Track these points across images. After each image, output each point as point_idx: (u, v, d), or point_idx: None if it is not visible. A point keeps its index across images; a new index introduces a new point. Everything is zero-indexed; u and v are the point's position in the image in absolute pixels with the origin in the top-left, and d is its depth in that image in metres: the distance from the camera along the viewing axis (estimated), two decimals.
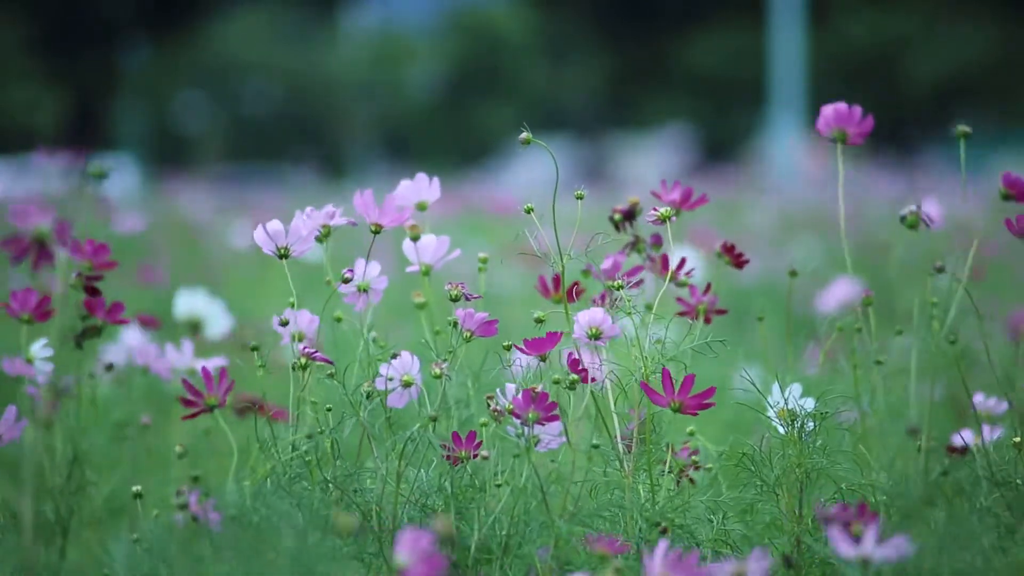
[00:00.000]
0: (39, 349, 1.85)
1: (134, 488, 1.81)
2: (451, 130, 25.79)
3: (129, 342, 2.44)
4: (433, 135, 25.61)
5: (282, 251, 1.79)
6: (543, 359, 1.74)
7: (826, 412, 1.78)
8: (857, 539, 1.51)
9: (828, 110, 1.86)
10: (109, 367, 2.12)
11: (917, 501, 1.67)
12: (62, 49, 25.29)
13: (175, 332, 3.17)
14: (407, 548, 1.42)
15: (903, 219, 1.88)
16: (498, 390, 1.75)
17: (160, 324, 2.65)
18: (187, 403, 1.79)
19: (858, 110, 1.87)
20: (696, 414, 1.72)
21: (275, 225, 1.79)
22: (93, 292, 1.85)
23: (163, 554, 1.58)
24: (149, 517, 1.80)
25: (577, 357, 1.75)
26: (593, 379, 1.75)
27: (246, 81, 26.36)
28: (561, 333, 1.75)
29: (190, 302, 2.51)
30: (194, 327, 2.50)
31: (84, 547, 2.04)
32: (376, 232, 1.82)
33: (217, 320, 2.51)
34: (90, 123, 24.40)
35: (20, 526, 1.58)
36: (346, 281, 1.80)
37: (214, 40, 26.16)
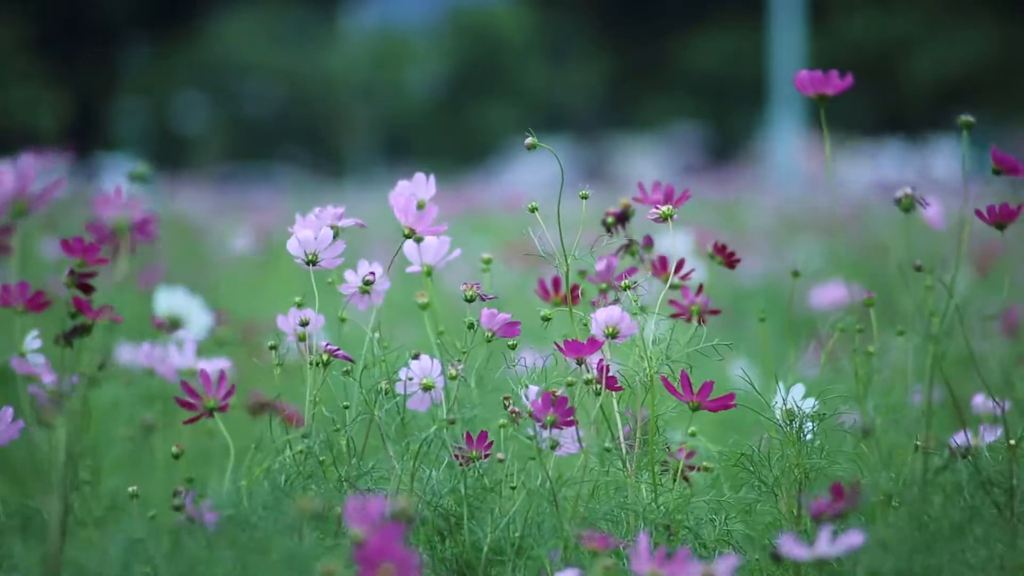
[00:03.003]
0: (30, 341, 1.85)
1: (130, 488, 1.81)
2: (451, 130, 25.79)
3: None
4: (433, 135, 25.61)
5: (311, 258, 1.81)
6: (580, 363, 1.74)
7: (825, 413, 1.78)
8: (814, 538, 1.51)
9: (804, 75, 1.91)
10: (101, 366, 2.11)
11: (887, 498, 1.67)
12: (62, 49, 25.29)
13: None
14: (356, 518, 1.35)
15: (898, 202, 1.88)
16: (521, 392, 1.74)
17: (163, 324, 2.65)
18: (186, 405, 1.79)
19: (834, 72, 1.91)
20: (716, 412, 1.73)
21: (305, 234, 1.81)
22: (86, 289, 1.84)
23: (158, 554, 1.57)
24: (147, 518, 1.80)
25: (607, 362, 1.74)
26: (618, 385, 1.75)
27: (245, 81, 26.35)
28: (599, 341, 1.74)
29: (170, 299, 2.48)
30: (174, 324, 2.47)
31: (84, 546, 2.04)
32: (408, 237, 1.85)
33: (197, 318, 2.47)
34: (90, 123, 24.40)
35: (48, 525, 1.59)
36: (367, 283, 1.81)
37: (213, 40, 26.16)
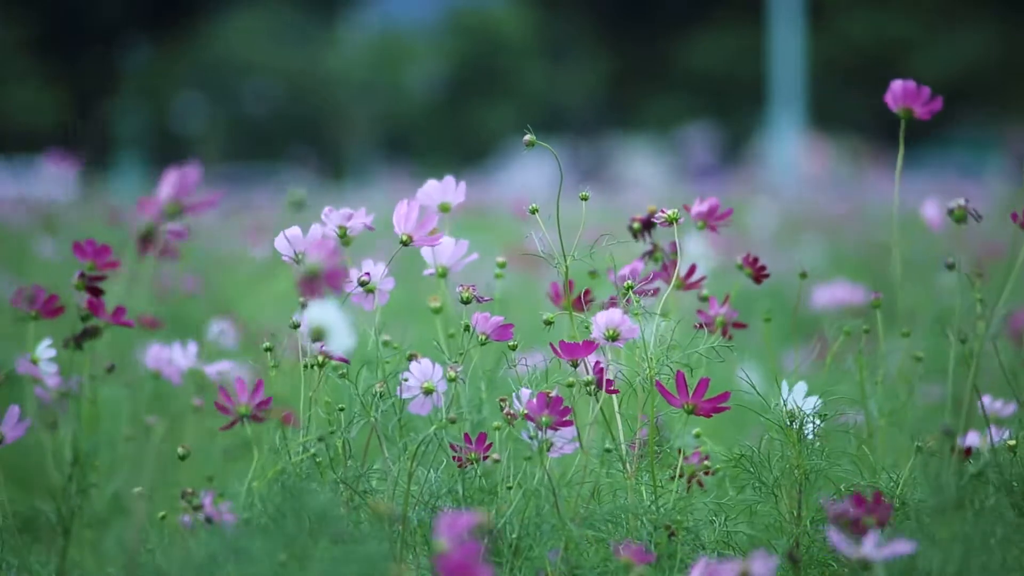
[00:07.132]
0: (43, 349, 1.85)
1: (136, 488, 1.81)
2: (451, 130, 25.78)
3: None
4: (433, 135, 25.60)
5: (299, 257, 1.78)
6: (575, 364, 1.73)
7: (826, 414, 1.78)
8: (862, 535, 1.50)
9: (897, 86, 1.89)
10: (111, 368, 2.11)
11: (948, 503, 1.65)
12: (62, 49, 25.28)
13: (175, 334, 3.17)
14: (446, 532, 1.41)
15: (950, 212, 1.88)
16: (514, 395, 1.74)
17: (162, 325, 2.65)
18: (221, 410, 1.77)
19: (926, 90, 1.89)
20: (710, 416, 1.72)
21: (294, 231, 1.78)
22: (96, 292, 1.84)
23: (168, 555, 1.57)
24: (155, 519, 1.79)
25: (602, 364, 1.73)
26: (612, 387, 1.74)
27: (246, 81, 26.35)
28: (595, 343, 1.73)
29: (321, 312, 2.49)
30: (317, 336, 2.48)
31: (87, 547, 2.04)
32: (405, 244, 1.81)
33: (341, 335, 2.48)
34: (90, 123, 24.39)
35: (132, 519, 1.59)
36: (363, 284, 1.79)
37: (213, 40, 26.15)
